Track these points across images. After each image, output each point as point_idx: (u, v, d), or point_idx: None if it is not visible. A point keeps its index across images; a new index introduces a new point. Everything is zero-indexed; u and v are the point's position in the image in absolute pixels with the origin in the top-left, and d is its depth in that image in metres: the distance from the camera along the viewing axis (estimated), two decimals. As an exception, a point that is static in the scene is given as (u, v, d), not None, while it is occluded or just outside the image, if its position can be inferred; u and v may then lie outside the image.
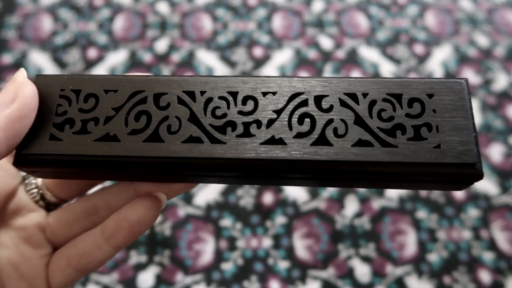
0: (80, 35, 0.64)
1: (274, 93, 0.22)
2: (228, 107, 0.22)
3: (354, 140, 0.21)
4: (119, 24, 0.65)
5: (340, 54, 0.64)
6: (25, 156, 0.22)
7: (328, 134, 0.21)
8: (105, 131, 0.22)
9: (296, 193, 0.54)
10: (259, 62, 0.63)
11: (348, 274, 0.50)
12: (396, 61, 0.64)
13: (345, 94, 0.22)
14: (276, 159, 0.21)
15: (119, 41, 0.64)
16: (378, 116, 0.21)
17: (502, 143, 0.58)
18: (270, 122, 0.21)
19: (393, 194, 0.55)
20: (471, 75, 0.64)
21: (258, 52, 0.64)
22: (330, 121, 0.21)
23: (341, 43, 0.65)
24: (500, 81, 0.63)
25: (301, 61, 0.63)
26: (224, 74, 0.62)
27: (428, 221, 0.53)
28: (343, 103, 0.22)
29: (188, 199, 0.53)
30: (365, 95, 0.22)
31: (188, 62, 0.62)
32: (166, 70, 0.62)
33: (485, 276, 0.50)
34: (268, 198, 0.54)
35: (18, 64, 0.61)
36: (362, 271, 0.50)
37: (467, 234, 0.53)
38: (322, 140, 0.21)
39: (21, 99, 0.20)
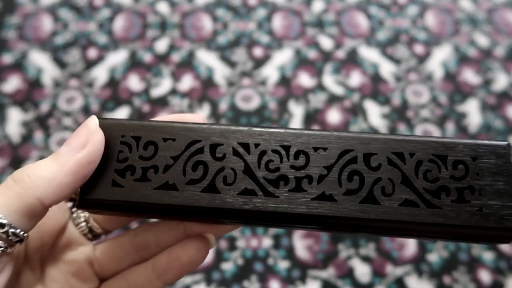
0: (80, 35, 0.64)
1: (325, 149, 0.23)
2: (281, 161, 0.23)
3: (400, 200, 0.22)
4: (119, 24, 0.65)
5: (340, 54, 0.64)
6: (89, 200, 0.23)
7: (376, 193, 0.22)
8: (164, 180, 0.23)
9: (296, 193, 0.54)
10: (259, 62, 0.63)
11: (348, 274, 0.50)
12: (396, 61, 0.64)
13: (393, 153, 0.23)
14: (326, 216, 0.22)
15: (119, 41, 0.64)
16: (424, 177, 0.22)
17: (502, 143, 0.58)
18: (321, 178, 0.22)
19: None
20: (471, 75, 0.64)
21: (258, 52, 0.64)
22: (378, 179, 0.22)
23: (341, 43, 0.65)
24: (500, 81, 0.63)
25: (301, 61, 0.63)
26: (226, 81, 0.62)
27: (428, 221, 0.53)
28: (390, 162, 0.22)
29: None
30: (412, 155, 0.22)
31: (188, 62, 0.62)
32: (166, 70, 0.62)
33: (485, 276, 0.50)
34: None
35: (18, 64, 0.61)
36: (362, 271, 0.50)
37: (467, 234, 0.53)
38: (370, 199, 0.22)
39: (92, 146, 0.22)
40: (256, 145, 0.23)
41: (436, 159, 0.22)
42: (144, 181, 0.23)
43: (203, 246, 0.24)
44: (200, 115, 0.25)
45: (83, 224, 0.26)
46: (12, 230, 0.19)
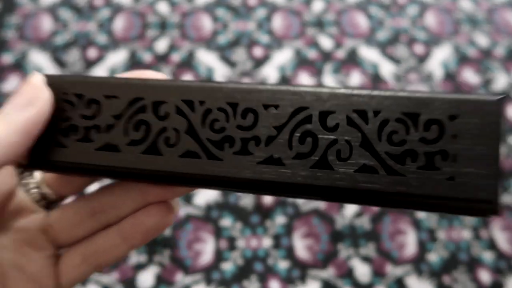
0: (80, 35, 0.64)
1: (276, 107, 0.20)
2: (227, 120, 0.21)
3: (358, 165, 0.19)
4: (119, 24, 0.65)
5: (340, 54, 0.64)
6: (35, 160, 0.22)
7: (330, 157, 0.19)
8: (106, 140, 0.22)
9: (296, 193, 0.54)
10: (259, 62, 0.63)
11: (348, 274, 0.50)
12: (396, 61, 0.64)
13: (354, 111, 0.20)
14: (272, 181, 0.20)
15: (119, 41, 0.64)
16: (388, 139, 0.19)
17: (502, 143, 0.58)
18: (270, 139, 0.20)
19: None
20: (471, 75, 0.64)
21: (258, 52, 0.64)
22: (334, 142, 0.19)
23: (341, 43, 0.65)
24: (500, 81, 0.63)
25: (301, 61, 0.63)
26: (225, 79, 0.62)
27: (428, 221, 0.53)
28: (350, 122, 0.19)
29: (188, 199, 0.53)
30: (376, 113, 0.19)
31: (188, 62, 0.62)
32: (166, 70, 0.62)
33: (485, 276, 0.50)
34: (268, 198, 0.54)
35: (18, 64, 0.61)
36: (362, 271, 0.50)
37: (467, 234, 0.53)
38: (322, 163, 0.20)
39: (40, 103, 0.21)
40: (201, 103, 0.21)
41: (405, 118, 0.19)
42: (86, 141, 0.22)
43: (166, 211, 0.24)
44: (160, 73, 0.24)
45: (35, 190, 0.25)
46: None
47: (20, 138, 0.20)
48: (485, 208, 0.18)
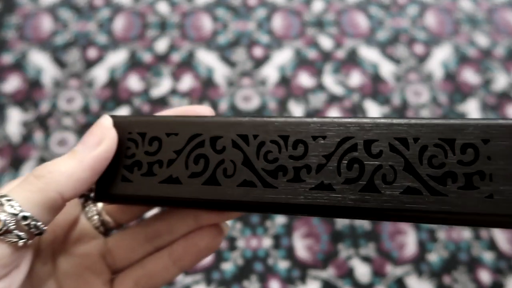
0: (80, 35, 0.64)
1: (324, 137, 0.22)
2: (280, 151, 0.23)
3: (403, 188, 0.21)
4: (119, 24, 0.65)
5: (340, 54, 0.64)
6: (103, 193, 0.25)
7: (376, 181, 0.21)
8: (168, 174, 0.24)
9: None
10: (259, 62, 0.63)
11: (348, 274, 0.50)
12: (396, 61, 0.64)
13: (395, 138, 0.21)
14: (324, 206, 0.21)
15: (119, 41, 0.64)
16: (429, 163, 0.21)
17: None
18: (320, 167, 0.22)
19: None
20: (471, 75, 0.64)
21: (258, 52, 0.64)
22: (379, 167, 0.21)
23: (341, 43, 0.65)
24: (500, 81, 0.63)
25: (301, 61, 0.63)
26: (225, 79, 0.62)
27: (428, 221, 0.53)
28: (392, 149, 0.21)
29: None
30: (416, 140, 0.21)
31: (188, 62, 0.62)
32: (166, 70, 0.62)
33: (485, 276, 0.50)
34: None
35: (18, 64, 0.61)
36: (362, 271, 0.50)
37: (467, 234, 0.53)
38: (370, 187, 0.21)
39: (107, 143, 0.23)
40: (255, 136, 0.23)
41: (442, 143, 0.21)
42: (150, 175, 0.24)
43: (217, 233, 0.26)
44: (208, 108, 0.26)
45: (96, 217, 0.27)
46: (33, 222, 0.20)
47: (89, 175, 0.22)
48: None
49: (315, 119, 0.23)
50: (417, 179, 0.21)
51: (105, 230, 0.27)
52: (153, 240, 0.27)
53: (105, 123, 0.24)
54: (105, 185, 0.25)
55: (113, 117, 0.25)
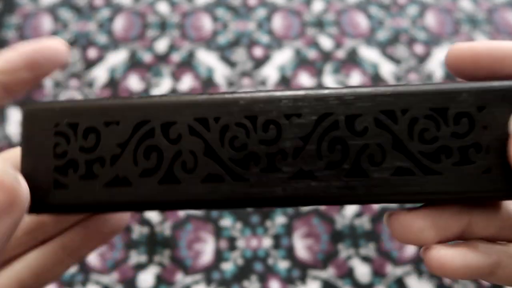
0: (80, 35, 0.64)
1: (299, 116, 0.19)
2: (248, 136, 0.19)
3: (393, 169, 0.18)
4: (119, 24, 0.65)
5: (340, 54, 0.64)
6: (37, 205, 0.20)
7: (363, 163, 0.19)
8: (114, 174, 0.19)
9: (296, 193, 0.54)
10: (259, 62, 0.63)
11: (348, 274, 0.50)
12: (396, 61, 0.64)
13: (382, 112, 0.19)
14: (305, 197, 0.19)
15: (119, 41, 0.64)
16: (420, 138, 0.19)
17: None
18: (297, 151, 0.19)
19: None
20: (471, 75, 0.64)
21: (258, 52, 0.64)
22: (365, 146, 0.19)
23: (341, 43, 0.65)
24: (500, 81, 0.63)
25: (301, 61, 0.63)
26: (225, 79, 0.62)
27: (428, 221, 0.53)
28: (379, 124, 0.19)
29: (188, 199, 0.53)
30: (404, 111, 0.19)
31: (188, 62, 0.62)
32: (166, 70, 0.62)
33: (485, 276, 0.50)
34: (268, 198, 0.54)
35: (18, 64, 0.61)
36: (362, 271, 0.50)
37: (467, 234, 0.53)
38: (356, 171, 0.19)
39: (16, 210, 0.16)
40: (216, 119, 0.19)
41: (434, 114, 0.19)
42: (91, 178, 0.19)
43: (116, 221, 0.22)
44: (60, 41, 0.21)
45: None
46: None
47: None
48: None
49: (286, 93, 0.19)
50: (408, 157, 0.19)
51: None
52: (34, 232, 0.22)
53: (9, 183, 0.16)
54: (38, 193, 0.19)
55: (30, 104, 0.20)
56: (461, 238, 0.20)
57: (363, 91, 0.19)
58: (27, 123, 0.20)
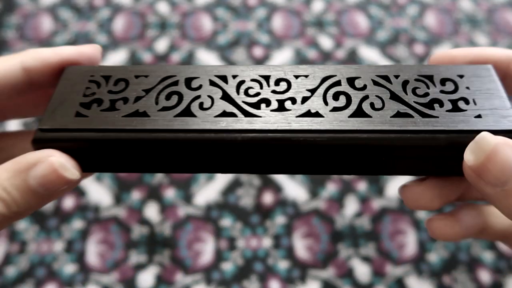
0: (80, 35, 0.64)
1: (306, 76, 0.22)
2: (261, 87, 0.22)
3: (393, 112, 0.21)
4: (119, 24, 0.65)
5: (340, 54, 0.64)
6: (47, 131, 0.20)
7: (365, 107, 0.21)
8: (135, 109, 0.21)
9: (296, 193, 0.54)
10: (259, 62, 0.63)
11: (348, 274, 0.50)
12: (396, 61, 0.64)
13: (378, 76, 0.22)
14: (313, 130, 0.20)
15: (119, 41, 0.64)
16: (413, 92, 0.21)
17: None
18: (305, 99, 0.21)
19: (393, 194, 0.55)
20: (471, 75, 0.64)
21: (258, 52, 0.64)
22: (366, 97, 0.21)
23: (341, 43, 0.65)
24: (500, 81, 0.63)
25: (301, 61, 0.63)
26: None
27: (428, 221, 0.53)
28: (376, 83, 0.22)
29: (188, 199, 0.53)
30: (397, 76, 0.22)
31: (188, 62, 0.62)
32: (166, 70, 0.62)
33: (485, 276, 0.50)
34: (268, 198, 0.54)
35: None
36: (362, 271, 0.50)
37: (467, 234, 0.53)
38: (360, 113, 0.21)
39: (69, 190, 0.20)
40: (234, 76, 0.22)
41: (422, 78, 0.22)
42: (112, 110, 0.21)
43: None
44: (96, 46, 0.23)
45: None
46: None
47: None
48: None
49: (295, 66, 0.23)
50: (405, 105, 0.21)
51: None
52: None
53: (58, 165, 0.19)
54: (51, 122, 0.21)
55: (74, 67, 0.22)
56: (458, 201, 0.25)
57: (361, 65, 0.23)
58: (67, 74, 0.22)
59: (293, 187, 0.54)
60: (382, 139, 0.20)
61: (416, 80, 0.22)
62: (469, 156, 0.20)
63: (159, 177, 0.53)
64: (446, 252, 0.51)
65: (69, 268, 0.49)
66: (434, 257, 0.51)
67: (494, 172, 0.19)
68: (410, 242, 0.52)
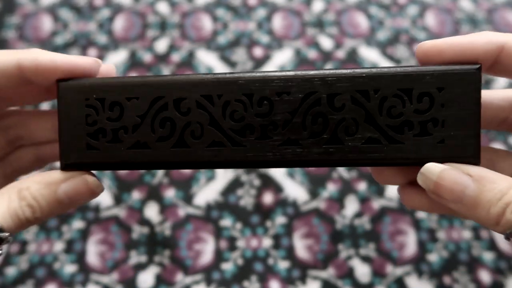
0: (80, 35, 0.64)
1: (288, 93, 0.23)
2: (245, 110, 0.24)
3: (364, 138, 0.23)
4: (119, 24, 0.65)
5: (340, 54, 0.64)
6: (69, 164, 0.25)
7: (339, 134, 0.23)
8: (135, 139, 0.24)
9: (296, 193, 0.54)
10: (259, 62, 0.63)
11: (348, 274, 0.50)
12: (396, 61, 0.64)
13: (357, 91, 0.23)
14: (291, 160, 0.23)
15: (119, 41, 0.64)
16: (388, 113, 0.23)
17: (502, 143, 0.58)
18: (286, 123, 0.23)
19: (393, 194, 0.55)
20: (471, 75, 0.64)
21: (258, 52, 0.64)
22: (342, 120, 0.23)
23: (341, 43, 0.65)
24: (500, 81, 0.63)
25: (301, 61, 0.63)
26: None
27: (428, 221, 0.53)
28: (354, 101, 0.23)
29: (188, 199, 0.53)
30: (376, 91, 0.23)
31: (188, 62, 0.62)
32: (166, 70, 0.62)
33: (485, 276, 0.50)
34: (268, 198, 0.54)
35: (18, 64, 0.61)
36: (362, 271, 0.50)
37: (467, 234, 0.53)
38: (334, 140, 0.23)
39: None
40: (219, 96, 0.24)
41: (401, 94, 0.23)
42: (117, 142, 0.24)
43: None
44: (95, 60, 0.25)
45: None
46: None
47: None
48: (471, 162, 0.22)
49: (278, 74, 0.24)
50: (377, 129, 0.23)
51: None
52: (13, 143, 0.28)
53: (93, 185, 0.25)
54: (71, 154, 0.25)
55: (66, 81, 0.25)
56: None
57: (343, 72, 0.23)
58: (63, 97, 0.25)
59: (293, 187, 0.54)
60: (350, 164, 0.23)
61: (395, 96, 0.23)
62: (421, 184, 0.22)
63: (159, 177, 0.53)
64: (446, 252, 0.51)
65: (69, 268, 0.49)
66: (434, 257, 0.51)
67: (446, 195, 0.21)
68: (410, 242, 0.52)
